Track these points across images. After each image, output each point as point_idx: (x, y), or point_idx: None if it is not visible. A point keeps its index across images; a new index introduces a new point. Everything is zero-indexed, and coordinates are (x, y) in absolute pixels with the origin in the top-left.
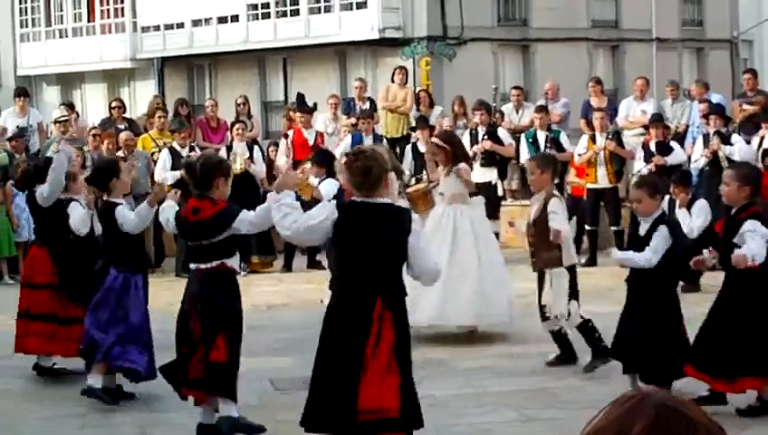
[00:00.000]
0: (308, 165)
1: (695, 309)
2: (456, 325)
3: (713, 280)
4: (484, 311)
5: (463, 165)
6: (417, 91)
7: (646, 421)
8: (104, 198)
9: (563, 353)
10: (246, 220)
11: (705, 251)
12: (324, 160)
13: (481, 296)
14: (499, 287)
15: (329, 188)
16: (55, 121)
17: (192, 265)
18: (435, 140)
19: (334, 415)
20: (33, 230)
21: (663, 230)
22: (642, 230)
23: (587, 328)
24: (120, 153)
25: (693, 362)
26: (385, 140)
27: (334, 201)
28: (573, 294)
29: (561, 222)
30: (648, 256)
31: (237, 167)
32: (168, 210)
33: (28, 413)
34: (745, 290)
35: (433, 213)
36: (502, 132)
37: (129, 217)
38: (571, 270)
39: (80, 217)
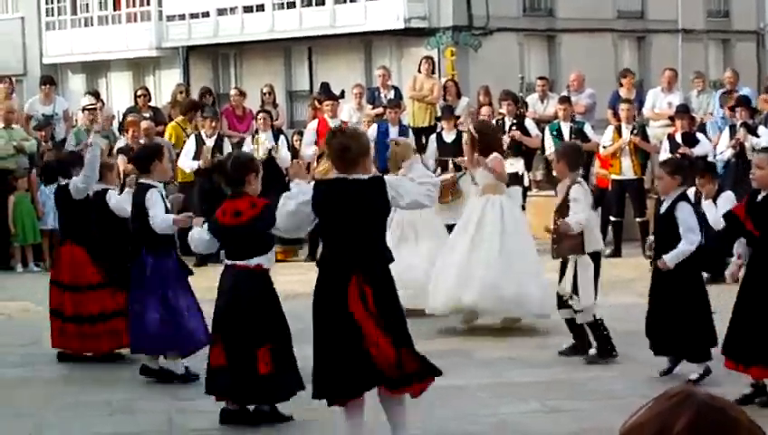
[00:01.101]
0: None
1: (717, 301)
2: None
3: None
4: (500, 303)
5: (494, 155)
6: (444, 81)
7: (688, 419)
8: (140, 179)
9: (577, 343)
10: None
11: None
12: None
13: (498, 288)
14: (527, 278)
15: None
16: (83, 109)
17: (228, 262)
18: (471, 128)
19: (360, 379)
20: (61, 227)
21: (683, 206)
22: (663, 208)
23: (596, 325)
24: (142, 141)
25: (727, 354)
26: (411, 130)
27: (312, 182)
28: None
29: (581, 209)
30: (689, 238)
31: (260, 154)
32: (200, 234)
33: (55, 400)
34: None
35: (468, 203)
36: (529, 123)
37: (159, 211)
38: (596, 258)
39: (121, 199)
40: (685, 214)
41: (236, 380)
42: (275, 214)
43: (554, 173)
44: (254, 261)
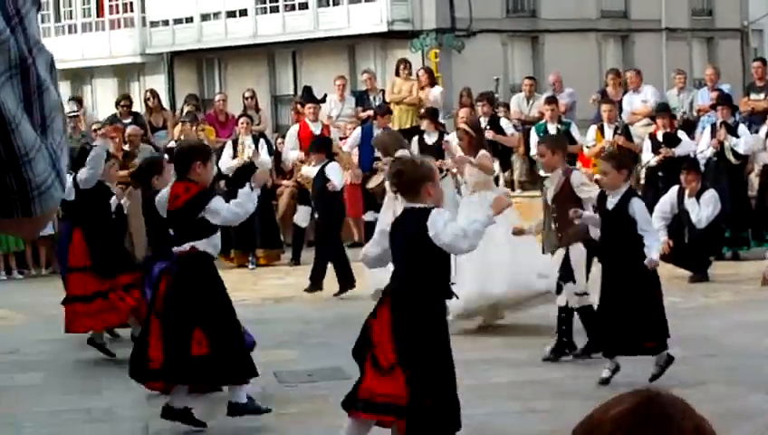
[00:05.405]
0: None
1: (703, 300)
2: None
3: (722, 270)
4: (526, 283)
5: (482, 153)
6: (416, 70)
7: (626, 405)
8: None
9: (561, 341)
10: (224, 208)
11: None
12: (322, 146)
13: (519, 274)
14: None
15: (336, 175)
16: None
17: (173, 248)
18: (463, 126)
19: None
20: (69, 215)
21: (637, 203)
22: (610, 204)
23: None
24: (126, 147)
25: None
26: None
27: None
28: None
29: (593, 187)
30: (653, 235)
31: (244, 158)
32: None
33: (33, 407)
34: None
35: (461, 202)
36: (504, 123)
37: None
38: (590, 247)
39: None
40: (641, 211)
41: (168, 360)
42: (211, 194)
43: (542, 163)
44: (188, 244)
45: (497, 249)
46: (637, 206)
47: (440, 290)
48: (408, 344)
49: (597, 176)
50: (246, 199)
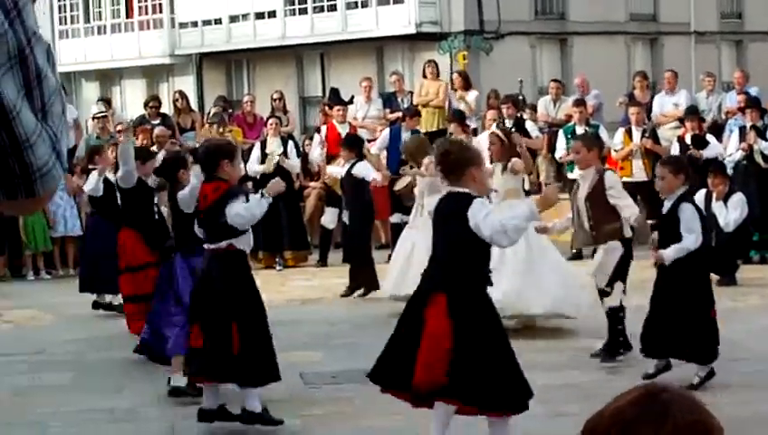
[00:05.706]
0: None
1: (730, 303)
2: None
3: (750, 274)
4: (534, 299)
5: (515, 160)
6: (451, 73)
7: (632, 396)
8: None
9: (615, 341)
10: (233, 211)
11: None
12: (354, 144)
13: (532, 286)
14: (557, 276)
15: (365, 171)
16: (93, 117)
17: (204, 245)
18: (495, 130)
19: (397, 375)
20: (119, 214)
21: (686, 207)
22: (665, 208)
23: (617, 317)
24: (154, 148)
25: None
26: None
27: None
28: (622, 272)
29: (626, 195)
30: (688, 242)
31: (270, 167)
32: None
33: (60, 407)
34: None
35: None
36: (529, 125)
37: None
38: (627, 244)
39: (92, 180)
40: (687, 215)
41: (212, 358)
42: (234, 195)
43: (576, 160)
44: (225, 242)
45: (517, 266)
46: (684, 208)
47: (481, 277)
48: (463, 332)
49: (624, 178)
50: (255, 205)
